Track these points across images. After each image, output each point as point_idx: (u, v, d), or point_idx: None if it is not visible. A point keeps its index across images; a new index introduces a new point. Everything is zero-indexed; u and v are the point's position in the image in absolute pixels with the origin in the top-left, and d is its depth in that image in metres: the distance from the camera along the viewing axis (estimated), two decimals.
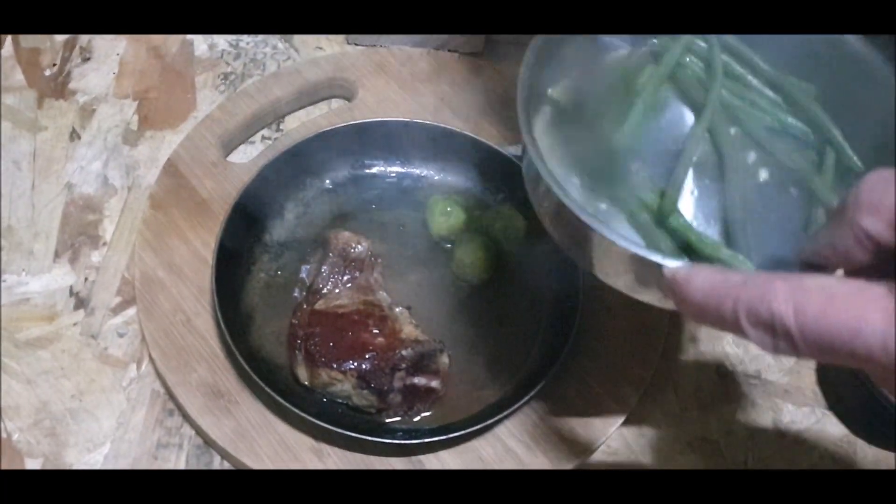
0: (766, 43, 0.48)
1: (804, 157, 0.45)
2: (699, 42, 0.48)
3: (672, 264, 0.37)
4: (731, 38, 0.48)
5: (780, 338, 0.31)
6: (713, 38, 0.48)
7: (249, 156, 0.67)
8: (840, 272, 0.35)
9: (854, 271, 0.33)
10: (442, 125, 0.65)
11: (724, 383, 0.60)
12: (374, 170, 0.66)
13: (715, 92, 0.46)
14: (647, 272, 0.40)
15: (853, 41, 0.46)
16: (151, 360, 0.57)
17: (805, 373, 0.61)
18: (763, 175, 0.45)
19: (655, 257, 0.38)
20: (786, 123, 0.46)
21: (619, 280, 0.43)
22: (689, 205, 0.44)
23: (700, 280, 0.34)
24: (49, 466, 0.53)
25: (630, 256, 0.39)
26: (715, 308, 0.33)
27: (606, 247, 0.41)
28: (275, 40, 0.75)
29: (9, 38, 0.73)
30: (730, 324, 0.33)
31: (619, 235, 0.40)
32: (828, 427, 0.58)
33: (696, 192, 0.44)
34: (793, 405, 0.59)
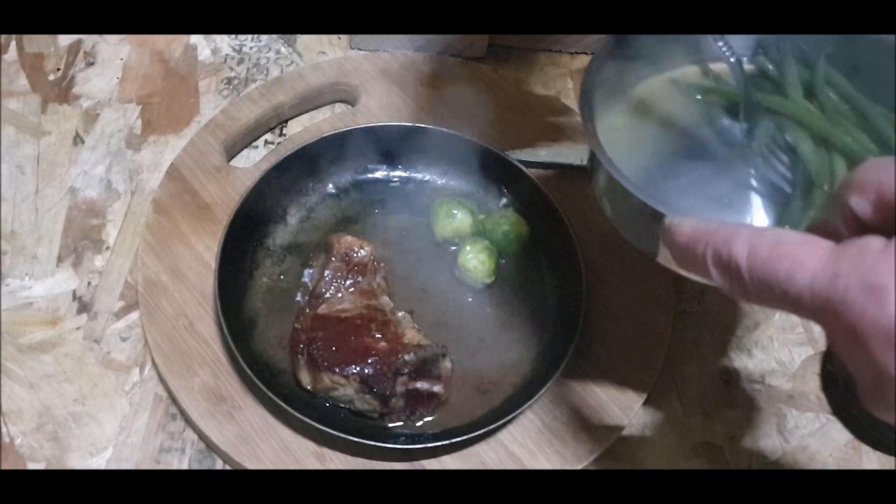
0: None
1: None
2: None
3: (672, 216, 0.39)
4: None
5: (734, 278, 0.34)
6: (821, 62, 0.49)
7: (252, 160, 0.68)
8: None
9: None
10: (445, 129, 0.65)
11: (728, 389, 0.60)
12: (377, 174, 0.66)
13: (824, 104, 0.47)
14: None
15: None
16: (154, 364, 0.57)
17: (809, 378, 0.60)
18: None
19: (659, 207, 0.41)
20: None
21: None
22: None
23: (685, 226, 0.37)
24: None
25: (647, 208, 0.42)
26: (692, 250, 0.36)
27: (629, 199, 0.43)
28: (278, 45, 0.75)
29: (13, 43, 0.74)
30: (701, 265, 0.35)
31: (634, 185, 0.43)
32: (832, 432, 0.58)
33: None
34: (797, 410, 0.59)
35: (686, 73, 0.52)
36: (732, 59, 0.49)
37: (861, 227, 0.33)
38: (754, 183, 0.46)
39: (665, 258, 0.44)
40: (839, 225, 0.34)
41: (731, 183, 0.46)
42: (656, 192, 0.45)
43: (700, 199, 0.46)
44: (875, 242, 0.31)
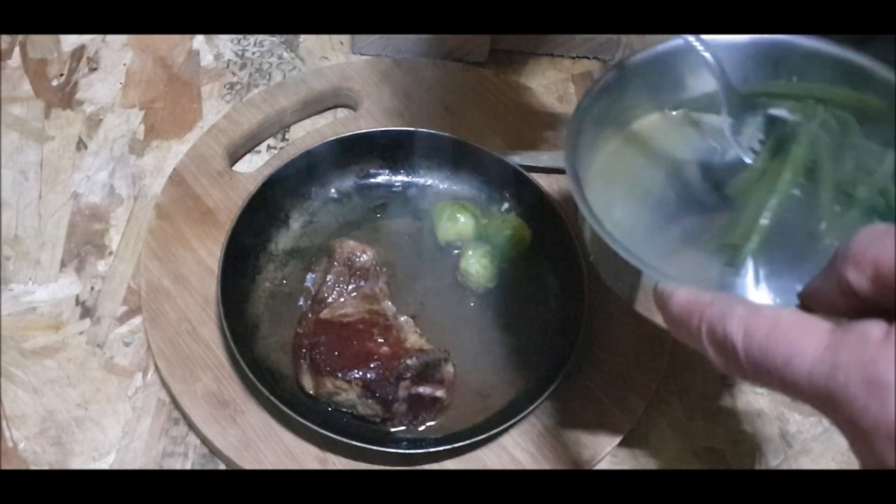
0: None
1: None
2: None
3: (662, 280, 0.39)
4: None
5: (730, 358, 0.33)
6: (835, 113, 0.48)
7: (255, 165, 0.68)
8: None
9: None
10: (446, 134, 0.65)
11: (731, 392, 0.59)
12: (380, 179, 0.66)
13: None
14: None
15: None
16: (157, 369, 0.57)
17: None
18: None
19: (649, 271, 0.40)
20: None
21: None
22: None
23: (678, 296, 0.36)
24: None
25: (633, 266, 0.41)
26: (686, 323, 0.35)
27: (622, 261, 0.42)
28: (280, 50, 0.76)
29: (16, 49, 0.74)
30: (695, 339, 0.35)
31: (627, 250, 0.41)
32: (835, 437, 0.58)
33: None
34: (799, 415, 0.59)
35: (669, 118, 0.52)
36: (710, 58, 0.48)
37: (857, 299, 0.32)
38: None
39: (643, 307, 0.44)
40: (835, 295, 0.33)
41: (721, 227, 0.46)
42: (646, 240, 0.44)
43: (690, 249, 0.45)
44: (875, 331, 0.30)
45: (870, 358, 0.29)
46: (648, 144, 0.51)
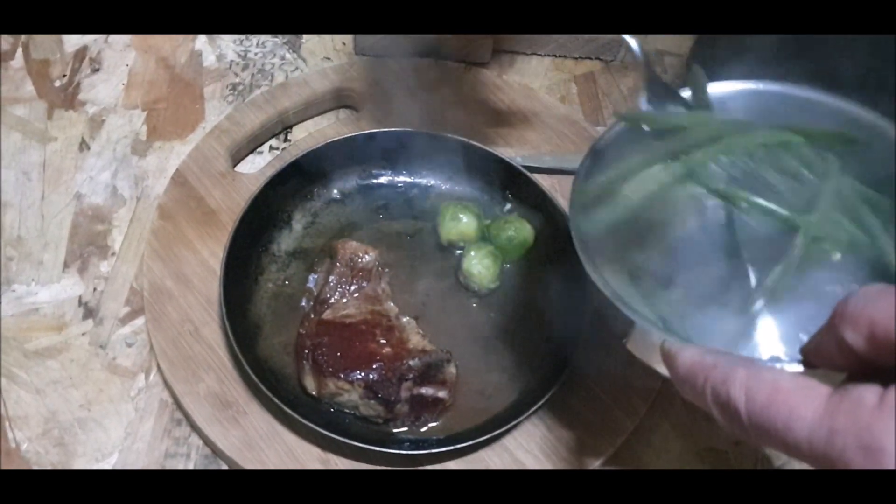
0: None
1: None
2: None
3: (668, 339, 0.40)
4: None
5: (734, 420, 0.34)
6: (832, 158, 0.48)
7: (257, 166, 0.68)
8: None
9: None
10: (449, 135, 0.65)
11: None
12: (382, 179, 0.66)
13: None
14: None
15: None
16: (159, 369, 0.57)
17: None
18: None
19: (654, 330, 0.41)
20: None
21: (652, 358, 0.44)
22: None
23: (684, 356, 0.37)
24: None
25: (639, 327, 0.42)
26: (691, 383, 0.36)
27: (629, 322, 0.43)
28: (283, 51, 0.76)
29: (19, 50, 0.74)
30: (700, 399, 0.36)
31: (637, 313, 0.42)
32: None
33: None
34: None
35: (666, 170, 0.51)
36: (635, 46, 0.49)
37: (855, 357, 0.33)
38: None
39: (634, 346, 0.45)
40: (833, 353, 0.34)
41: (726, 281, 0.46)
42: (652, 290, 0.45)
43: (697, 300, 0.46)
44: (869, 395, 0.31)
45: (865, 424, 0.30)
46: (652, 198, 0.50)
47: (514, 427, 0.55)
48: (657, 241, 0.49)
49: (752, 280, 0.46)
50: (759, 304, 0.44)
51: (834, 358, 0.34)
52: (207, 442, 0.55)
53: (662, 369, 0.42)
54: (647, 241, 0.49)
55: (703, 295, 0.46)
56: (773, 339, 0.44)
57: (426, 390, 0.54)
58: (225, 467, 0.55)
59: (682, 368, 0.37)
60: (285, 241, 0.63)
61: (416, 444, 0.54)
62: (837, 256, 0.45)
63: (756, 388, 0.33)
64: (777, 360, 0.41)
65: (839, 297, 0.37)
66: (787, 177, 0.48)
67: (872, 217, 0.46)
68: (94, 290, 0.61)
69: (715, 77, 0.50)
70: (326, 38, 0.77)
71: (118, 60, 0.74)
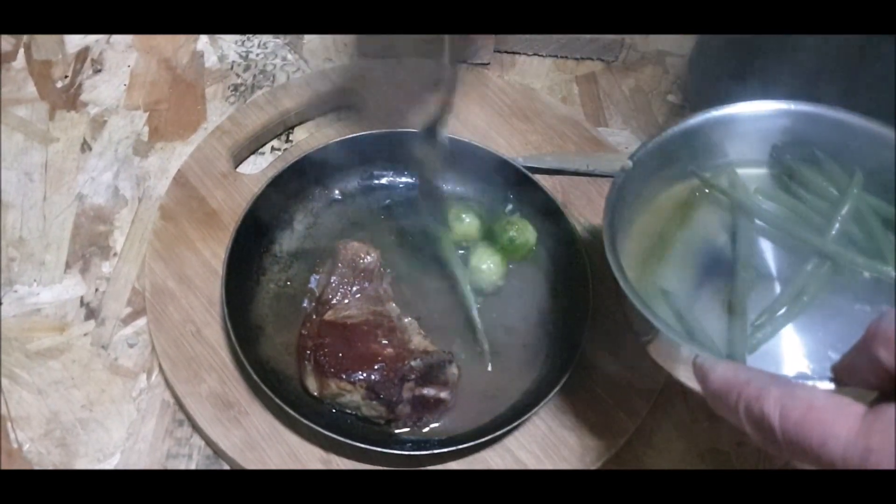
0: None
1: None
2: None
3: (701, 354, 0.40)
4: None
5: (768, 436, 0.34)
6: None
7: (259, 167, 0.68)
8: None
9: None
10: (451, 135, 0.65)
11: None
12: (384, 180, 0.66)
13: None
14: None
15: None
16: (161, 370, 0.57)
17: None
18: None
19: (684, 344, 0.42)
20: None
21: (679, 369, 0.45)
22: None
23: (717, 372, 0.38)
24: None
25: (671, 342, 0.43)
26: (724, 399, 0.37)
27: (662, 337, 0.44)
28: (284, 52, 0.76)
29: (21, 51, 0.74)
30: (733, 416, 0.37)
31: (667, 325, 0.43)
32: None
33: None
34: None
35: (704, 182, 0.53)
36: None
37: (888, 376, 0.33)
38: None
39: (657, 353, 0.46)
40: (865, 371, 0.34)
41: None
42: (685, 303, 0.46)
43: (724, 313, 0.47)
44: None
45: None
46: (684, 213, 0.52)
47: (516, 428, 0.54)
48: (681, 254, 0.50)
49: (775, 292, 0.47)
50: (779, 317, 0.45)
51: (866, 377, 0.34)
52: (209, 442, 0.55)
53: (685, 378, 0.42)
54: (670, 253, 0.50)
55: (723, 306, 0.47)
56: (799, 355, 0.45)
57: (428, 391, 0.54)
58: (227, 468, 0.55)
59: (716, 385, 0.38)
60: (287, 242, 0.63)
61: (418, 444, 0.54)
62: (866, 275, 0.46)
63: (790, 405, 0.34)
64: (807, 377, 0.42)
65: (868, 316, 0.38)
66: (812, 192, 0.50)
67: (886, 235, 0.47)
68: (96, 290, 0.61)
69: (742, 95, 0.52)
70: (328, 39, 0.77)
71: (120, 61, 0.74)
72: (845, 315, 0.45)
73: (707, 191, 0.51)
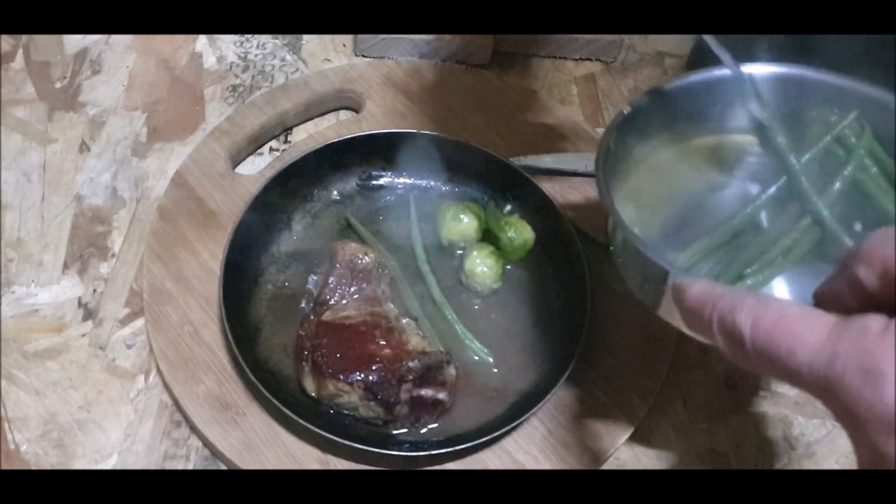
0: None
1: None
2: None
3: (679, 275, 0.40)
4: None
5: (737, 346, 0.34)
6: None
7: (257, 167, 0.68)
8: None
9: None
10: (449, 136, 0.65)
11: (734, 395, 0.59)
12: (382, 181, 0.66)
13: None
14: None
15: None
16: (159, 371, 0.57)
17: None
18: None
19: (672, 269, 0.42)
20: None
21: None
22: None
23: (694, 289, 0.38)
24: None
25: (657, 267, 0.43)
26: (699, 314, 0.37)
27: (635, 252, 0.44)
28: (283, 52, 0.76)
29: (20, 51, 0.74)
30: (706, 328, 0.36)
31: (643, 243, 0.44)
32: (838, 439, 0.58)
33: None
34: (803, 417, 0.59)
35: (705, 142, 0.53)
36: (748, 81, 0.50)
37: (867, 297, 0.33)
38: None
39: (665, 311, 0.45)
40: (845, 293, 0.34)
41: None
42: (670, 247, 0.46)
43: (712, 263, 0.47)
44: (875, 323, 0.31)
45: (868, 349, 0.30)
46: (681, 166, 0.52)
47: (515, 429, 0.54)
48: (682, 204, 0.50)
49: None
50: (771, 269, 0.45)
51: (845, 298, 0.34)
52: (207, 443, 0.55)
53: (678, 324, 0.42)
54: (672, 202, 0.50)
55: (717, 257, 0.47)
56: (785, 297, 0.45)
57: (426, 392, 0.54)
58: (224, 469, 0.55)
59: (692, 300, 0.37)
60: (285, 243, 0.63)
61: (416, 445, 0.54)
62: (858, 227, 0.46)
63: (762, 314, 0.33)
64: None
65: None
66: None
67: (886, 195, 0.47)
68: (94, 291, 0.61)
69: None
70: (327, 40, 0.77)
71: (118, 62, 0.74)
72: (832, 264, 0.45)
73: (709, 149, 0.52)
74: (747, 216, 0.48)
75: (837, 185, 0.48)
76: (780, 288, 0.46)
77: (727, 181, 0.51)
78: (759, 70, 0.52)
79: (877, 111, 0.49)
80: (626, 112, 0.51)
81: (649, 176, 0.52)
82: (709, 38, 0.49)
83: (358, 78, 0.71)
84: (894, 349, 0.29)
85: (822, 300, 0.36)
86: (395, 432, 0.55)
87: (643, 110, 0.51)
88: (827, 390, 0.31)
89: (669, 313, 0.45)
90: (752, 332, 0.33)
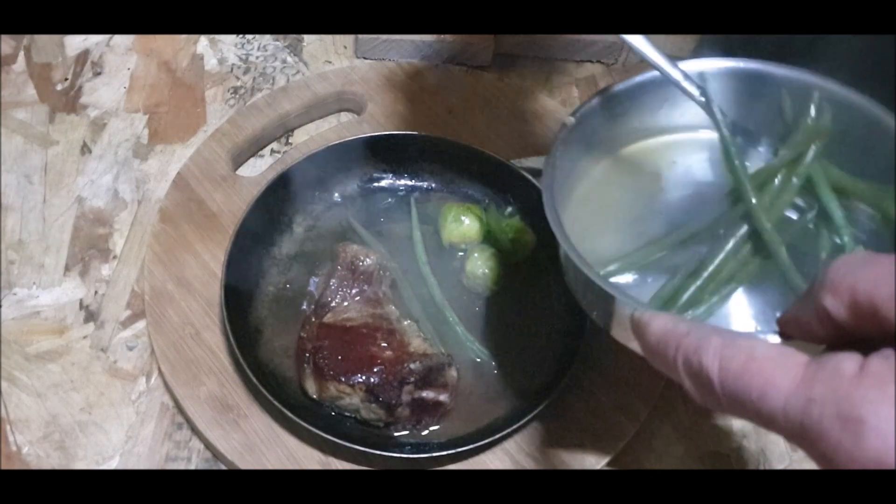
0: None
1: None
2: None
3: (638, 309, 0.39)
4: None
5: (706, 390, 0.32)
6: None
7: (259, 169, 0.68)
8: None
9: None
10: (450, 138, 0.65)
11: None
12: (383, 183, 0.66)
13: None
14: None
15: None
16: (160, 373, 0.57)
17: None
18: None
19: (624, 299, 0.41)
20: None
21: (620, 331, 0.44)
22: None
23: (655, 325, 0.36)
24: None
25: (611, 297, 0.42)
26: (662, 352, 0.35)
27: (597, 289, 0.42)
28: (284, 54, 0.76)
29: (21, 53, 0.74)
30: (672, 369, 0.34)
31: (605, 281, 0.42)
32: None
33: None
34: None
35: (654, 144, 0.52)
36: (703, 98, 0.49)
37: (835, 327, 0.32)
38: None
39: (618, 333, 0.44)
40: (813, 323, 0.33)
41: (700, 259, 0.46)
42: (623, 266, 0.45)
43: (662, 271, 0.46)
44: (848, 365, 0.29)
45: (844, 393, 0.29)
46: (631, 172, 0.51)
47: (516, 431, 0.54)
48: (632, 214, 0.49)
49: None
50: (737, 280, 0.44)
51: (812, 328, 0.33)
52: (208, 445, 0.55)
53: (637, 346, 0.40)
54: (622, 213, 0.49)
55: (673, 270, 0.46)
56: (746, 315, 0.43)
57: (427, 394, 0.54)
58: (225, 469, 0.55)
59: (653, 337, 0.36)
60: (286, 245, 0.63)
61: (417, 447, 0.54)
62: (825, 238, 0.45)
63: (730, 356, 0.32)
64: (752, 333, 0.40)
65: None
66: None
67: (836, 204, 0.46)
68: (96, 293, 0.61)
69: None
70: (328, 41, 0.77)
71: (120, 64, 0.74)
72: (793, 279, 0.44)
73: (659, 152, 0.50)
74: (692, 231, 0.47)
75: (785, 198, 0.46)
76: (740, 301, 0.44)
77: (678, 181, 0.50)
78: (711, 66, 0.50)
79: (837, 106, 0.48)
80: (569, 124, 0.49)
81: (600, 185, 0.50)
82: (633, 38, 0.47)
83: (359, 80, 0.71)
84: (872, 393, 0.28)
85: (788, 328, 0.35)
86: (396, 434, 0.55)
87: (588, 119, 0.49)
88: (803, 436, 0.30)
89: (625, 339, 0.43)
90: (721, 375, 0.32)
